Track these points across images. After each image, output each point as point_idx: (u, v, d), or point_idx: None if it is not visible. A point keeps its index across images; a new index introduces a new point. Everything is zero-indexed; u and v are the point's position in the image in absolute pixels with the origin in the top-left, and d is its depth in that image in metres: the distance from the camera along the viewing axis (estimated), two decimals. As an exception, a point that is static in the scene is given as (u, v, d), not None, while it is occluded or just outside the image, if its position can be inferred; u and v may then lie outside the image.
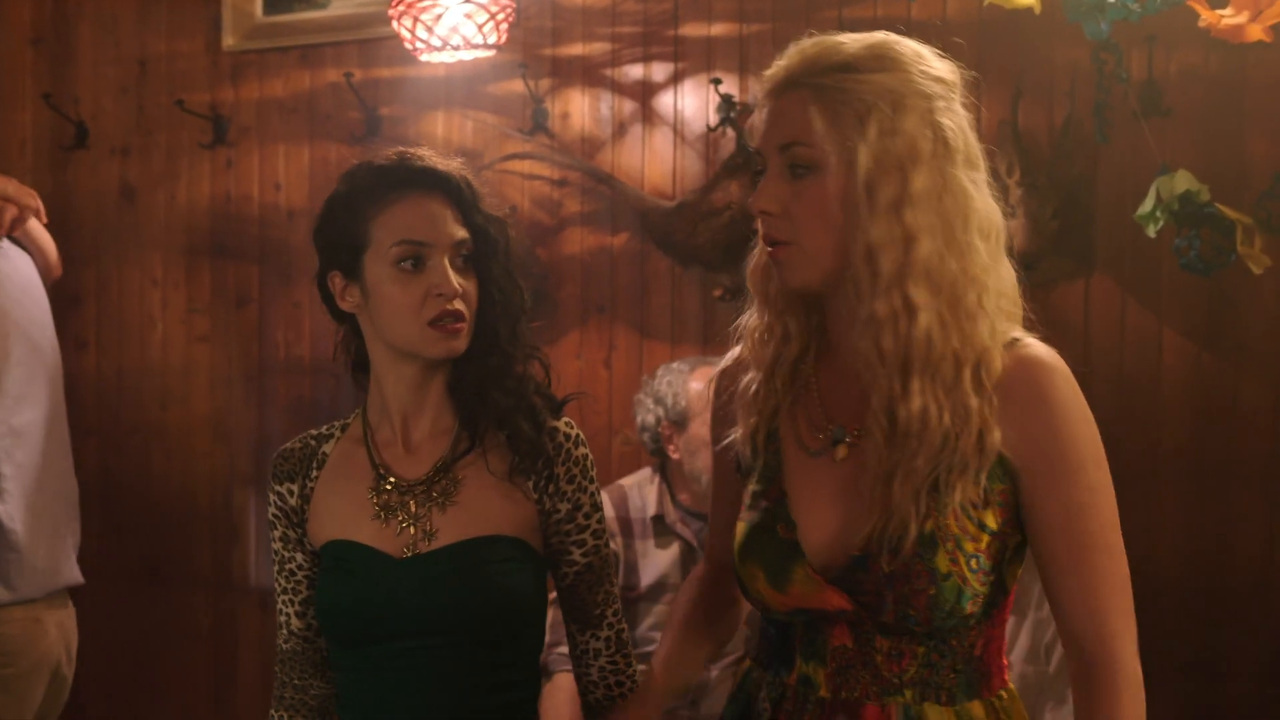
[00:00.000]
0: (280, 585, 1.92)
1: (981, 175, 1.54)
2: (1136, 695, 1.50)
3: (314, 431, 1.94)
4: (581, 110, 3.56)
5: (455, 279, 1.76)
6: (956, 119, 1.53)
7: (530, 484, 1.82)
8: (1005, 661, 1.61)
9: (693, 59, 3.44)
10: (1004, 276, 1.53)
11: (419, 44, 2.99)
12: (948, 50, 3.13)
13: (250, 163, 3.93)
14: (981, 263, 1.49)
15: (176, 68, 4.00)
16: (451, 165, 1.82)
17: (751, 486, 1.64)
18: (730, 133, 3.31)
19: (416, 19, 2.91)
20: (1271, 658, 2.95)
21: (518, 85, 3.57)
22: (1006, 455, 1.49)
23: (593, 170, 3.44)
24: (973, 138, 1.55)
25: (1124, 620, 1.52)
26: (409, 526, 1.81)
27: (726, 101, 3.30)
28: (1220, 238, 2.34)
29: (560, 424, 1.85)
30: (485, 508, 1.81)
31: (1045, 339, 1.55)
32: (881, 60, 1.51)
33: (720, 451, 1.74)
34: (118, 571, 4.09)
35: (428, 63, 3.54)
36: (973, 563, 1.48)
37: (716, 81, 3.31)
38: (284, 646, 1.93)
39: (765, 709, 1.61)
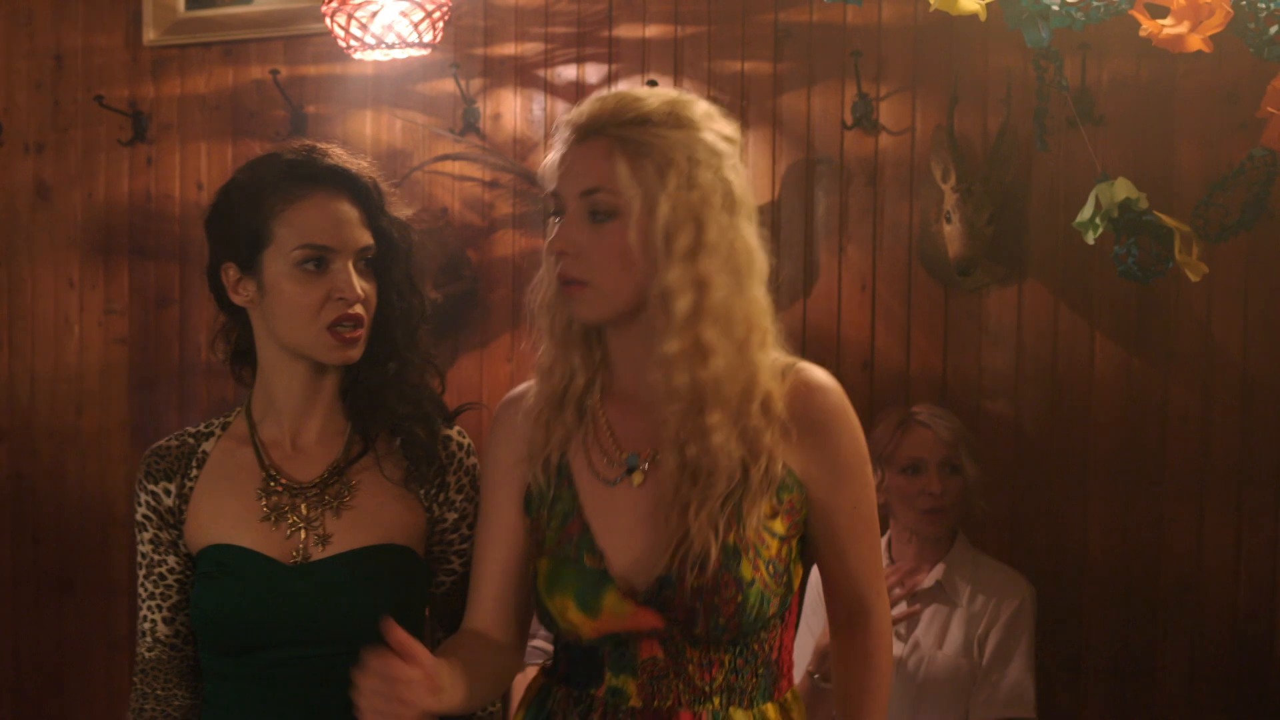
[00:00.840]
0: (147, 590, 1.83)
1: (756, 226, 1.67)
2: (890, 638, 1.75)
3: (191, 429, 1.87)
4: (514, 111, 3.51)
5: (358, 284, 1.73)
6: (740, 175, 1.66)
7: (422, 492, 1.81)
8: (793, 664, 1.76)
9: (627, 60, 3.41)
10: (769, 311, 1.66)
11: (353, 42, 2.92)
12: (882, 57, 3.16)
13: (171, 160, 3.83)
14: (761, 305, 1.62)
15: (94, 63, 3.89)
16: (361, 165, 1.78)
17: (549, 522, 1.68)
18: (665, 135, 3.28)
19: (351, 16, 2.85)
20: (1200, 657, 3.00)
21: (449, 85, 3.52)
22: (793, 468, 1.63)
23: (525, 172, 3.40)
24: (750, 193, 1.67)
25: (881, 579, 1.75)
26: (300, 530, 1.76)
27: (661, 104, 3.27)
28: (1158, 245, 2.36)
29: (453, 433, 1.85)
30: (380, 514, 1.79)
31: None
32: (678, 118, 1.60)
33: (501, 487, 1.75)
34: (30, 580, 3.97)
35: (356, 61, 3.48)
36: (770, 568, 1.61)
37: (653, 83, 3.29)
38: (147, 655, 1.85)
39: None
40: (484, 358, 3.54)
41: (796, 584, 1.68)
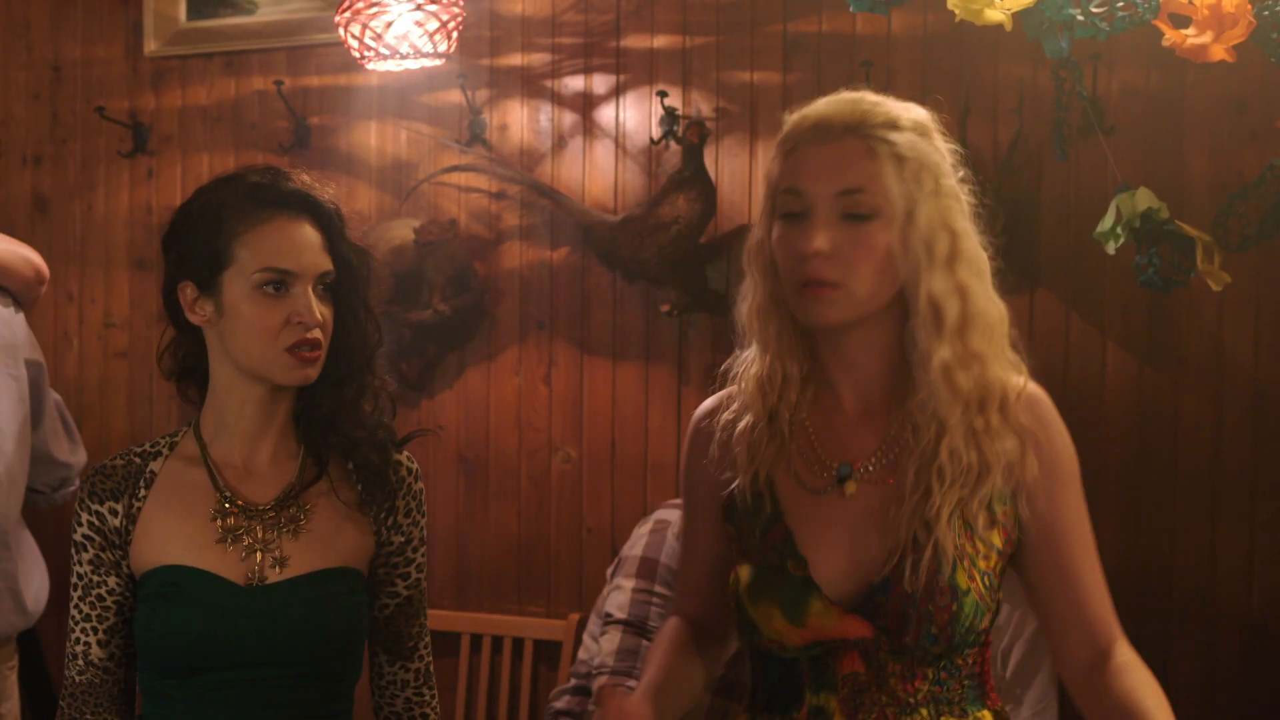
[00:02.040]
0: (81, 612, 1.81)
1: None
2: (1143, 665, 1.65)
3: (137, 448, 1.84)
4: (520, 122, 3.50)
5: (317, 308, 1.74)
6: (965, 187, 1.68)
7: (372, 516, 1.83)
8: (993, 680, 1.71)
9: (635, 71, 3.40)
10: (1006, 317, 1.69)
11: (366, 53, 2.91)
12: (892, 67, 3.16)
13: (173, 172, 3.80)
14: (1002, 310, 1.66)
15: (93, 74, 3.86)
16: (324, 192, 1.80)
17: (751, 530, 1.67)
18: (674, 146, 3.28)
19: (365, 26, 2.84)
20: (1214, 667, 3.00)
21: (455, 95, 3.50)
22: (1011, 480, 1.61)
23: (534, 184, 3.39)
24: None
25: (1113, 610, 1.69)
26: (256, 553, 1.77)
27: (670, 114, 3.27)
28: (1179, 255, 2.37)
29: (402, 458, 1.87)
30: (335, 537, 1.80)
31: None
32: (921, 125, 1.65)
33: (703, 497, 1.76)
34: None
35: (361, 71, 3.46)
36: (985, 580, 1.59)
37: (663, 94, 3.28)
38: (78, 679, 1.81)
39: None
40: (491, 370, 3.52)
41: (998, 604, 1.65)
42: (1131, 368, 3.04)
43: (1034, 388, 1.66)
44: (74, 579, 1.81)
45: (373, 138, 3.62)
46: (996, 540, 1.61)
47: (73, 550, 1.81)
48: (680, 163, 3.21)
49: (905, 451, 1.62)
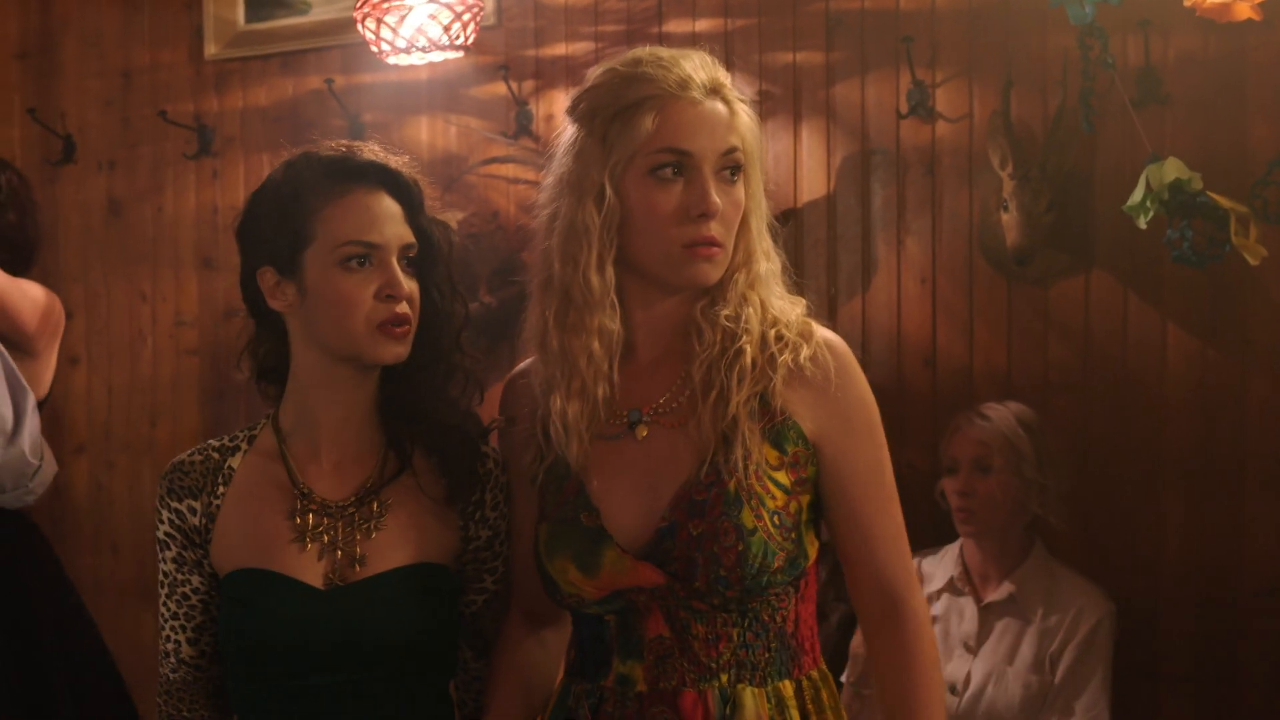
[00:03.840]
0: (169, 610, 1.76)
1: None
2: (928, 623, 1.66)
3: (215, 443, 1.78)
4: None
5: (405, 281, 1.67)
6: None
7: (459, 510, 1.74)
8: (817, 643, 1.68)
9: (678, 56, 3.34)
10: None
11: (384, 45, 2.91)
12: (937, 42, 3.06)
13: (235, 173, 3.87)
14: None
15: (160, 78, 3.94)
16: (401, 162, 1.72)
17: (551, 488, 1.66)
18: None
19: (380, 20, 2.84)
20: (1285, 665, 2.83)
21: (502, 88, 3.49)
22: (800, 421, 1.60)
23: (576, 172, 3.35)
24: None
25: (910, 564, 1.68)
26: (335, 552, 1.69)
27: (712, 99, 3.20)
28: (1213, 228, 2.23)
29: (489, 449, 1.78)
30: (416, 533, 1.71)
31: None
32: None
33: (518, 468, 1.73)
34: (110, 589, 4.03)
35: (410, 67, 3.47)
36: (775, 519, 1.57)
37: (700, 78, 3.22)
38: (171, 676, 1.78)
39: (586, 717, 1.64)
40: (541, 362, 3.50)
41: (812, 552, 1.63)
42: (1194, 350, 2.89)
43: (826, 333, 1.65)
44: (160, 576, 1.77)
45: (423, 132, 3.63)
46: (784, 479, 1.59)
47: (157, 547, 1.77)
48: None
49: (692, 390, 1.61)
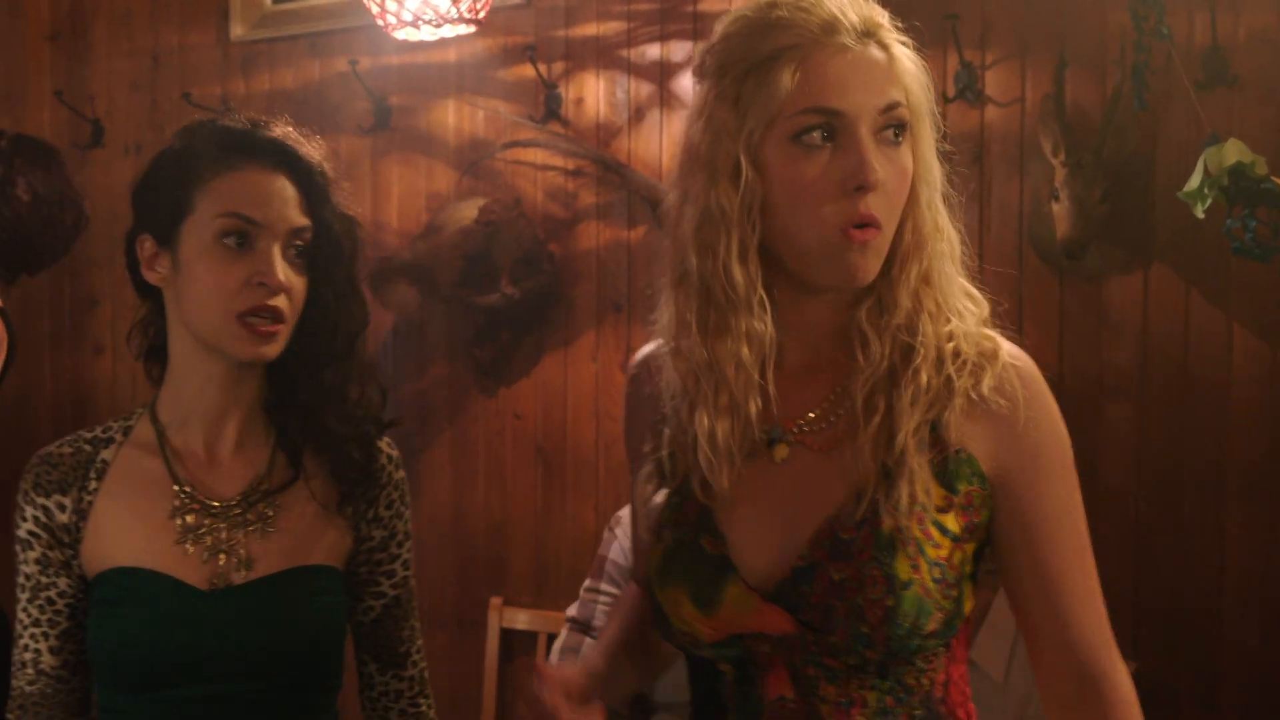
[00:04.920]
0: (30, 616, 1.62)
1: None
2: (1136, 705, 1.36)
3: (86, 434, 1.65)
4: (597, 94, 3.31)
5: (283, 270, 1.53)
6: None
7: (350, 511, 1.65)
8: (971, 706, 1.40)
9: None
10: None
11: (389, 19, 2.77)
12: (987, 20, 2.85)
13: (261, 158, 3.75)
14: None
15: (188, 60, 3.85)
16: (309, 148, 1.60)
17: (671, 499, 1.39)
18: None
19: (384, -9, 2.71)
20: (1358, 699, 2.60)
21: (529, 70, 3.34)
22: (975, 454, 1.33)
23: (600, 158, 3.19)
24: None
25: (1108, 628, 1.37)
26: (220, 554, 1.58)
27: (748, 81, 3.01)
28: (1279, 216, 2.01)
29: (383, 444, 1.69)
30: (308, 535, 1.61)
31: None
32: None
33: (641, 454, 1.48)
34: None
35: (438, 48, 3.35)
36: (935, 572, 1.29)
37: (733, 58, 3.04)
38: (28, 689, 1.62)
39: None
40: (568, 356, 3.34)
41: (968, 609, 1.35)
42: (1262, 352, 2.66)
43: (1018, 352, 1.39)
44: (20, 579, 1.64)
45: (451, 116, 3.48)
46: (953, 525, 1.31)
47: (17, 548, 1.63)
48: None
49: (849, 409, 1.34)
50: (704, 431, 1.34)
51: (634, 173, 3.18)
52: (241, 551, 1.58)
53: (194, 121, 1.64)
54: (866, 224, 1.27)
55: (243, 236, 1.53)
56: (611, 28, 3.28)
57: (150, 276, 1.59)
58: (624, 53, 3.28)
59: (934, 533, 1.30)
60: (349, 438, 1.63)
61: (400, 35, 2.84)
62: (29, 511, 1.61)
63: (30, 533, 1.61)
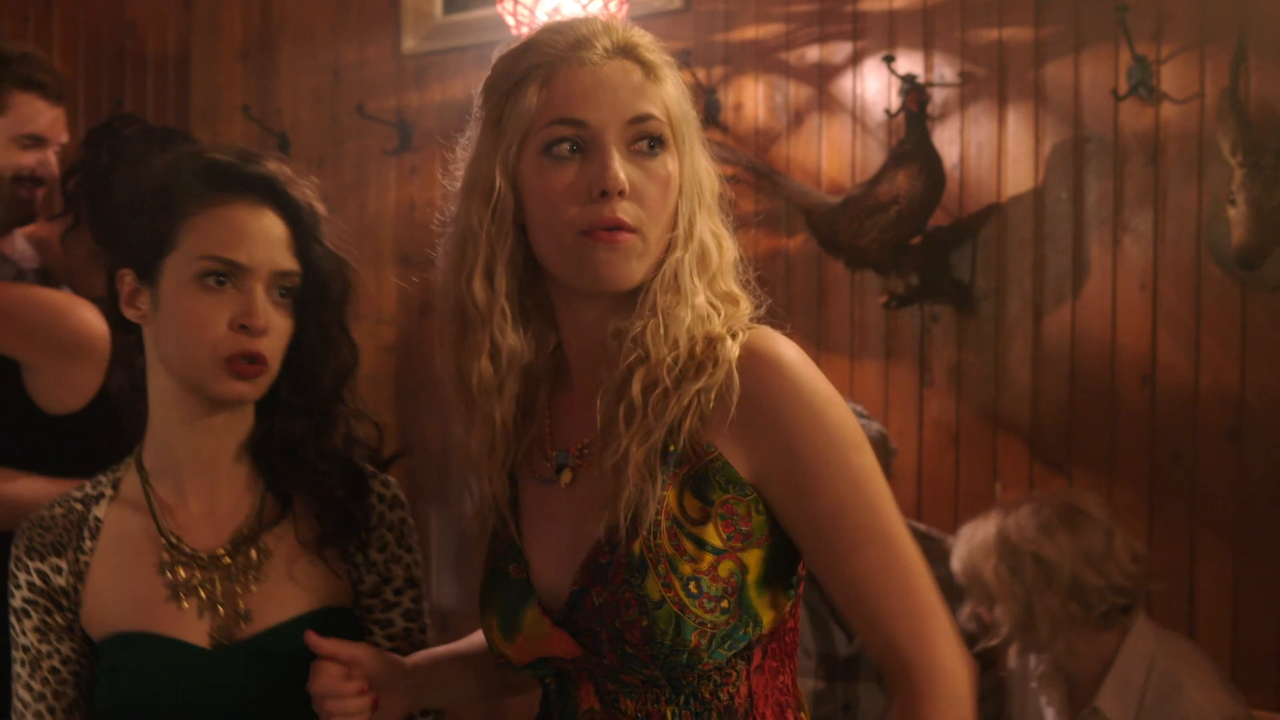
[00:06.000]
0: (33, 692, 1.52)
1: None
2: (956, 702, 1.28)
3: (76, 493, 1.57)
4: (755, 99, 3.23)
5: (267, 313, 1.46)
6: None
7: (337, 554, 1.55)
8: (794, 715, 1.37)
9: (873, 36, 3.05)
10: None
11: (524, 28, 2.76)
12: (1163, 11, 2.66)
13: (432, 169, 3.80)
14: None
15: (365, 74, 3.93)
16: (300, 184, 1.53)
17: (493, 532, 1.45)
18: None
19: (517, 3, 2.69)
20: None
21: (686, 75, 3.27)
22: (731, 461, 1.28)
23: (752, 165, 3.11)
24: None
25: (931, 620, 1.29)
26: (216, 607, 1.50)
27: (909, 82, 2.89)
28: None
29: (376, 484, 1.58)
30: (303, 580, 1.53)
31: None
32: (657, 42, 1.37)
33: None
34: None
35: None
36: (691, 586, 1.26)
37: (889, 59, 2.92)
38: None
39: None
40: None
41: (768, 616, 1.30)
42: None
43: (762, 341, 1.30)
44: (17, 656, 1.53)
45: (611, 124, 3.46)
46: (713, 537, 1.27)
47: (12, 621, 1.53)
48: (904, 134, 2.84)
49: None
50: (463, 445, 1.40)
51: (786, 179, 3.08)
52: (239, 603, 1.51)
53: (179, 151, 1.59)
54: (614, 227, 1.28)
55: (223, 278, 1.46)
56: (770, 30, 3.20)
57: (129, 313, 1.53)
58: (783, 56, 3.19)
59: (689, 547, 1.27)
60: (330, 476, 1.54)
61: (534, 42, 2.83)
62: (23, 578, 1.53)
63: (26, 600, 1.53)
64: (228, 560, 1.52)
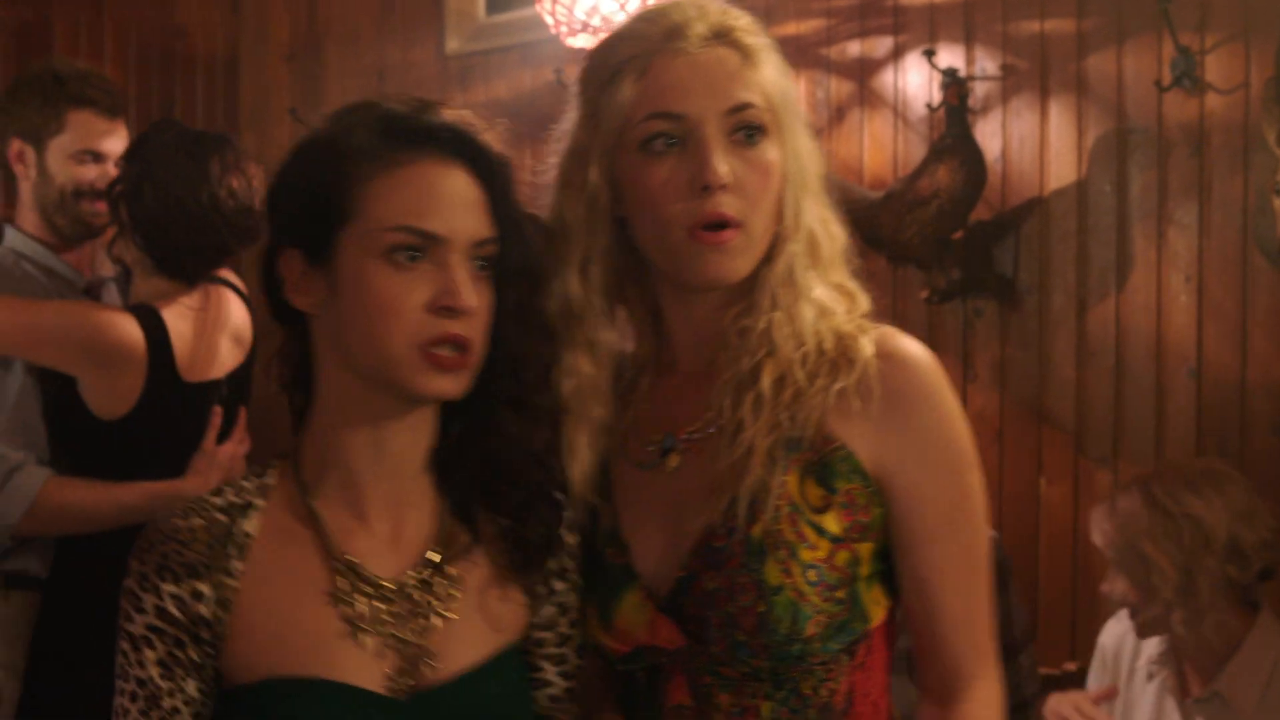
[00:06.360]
0: None
1: None
2: (996, 709, 1.34)
3: (215, 499, 1.28)
4: (797, 95, 3.22)
5: (470, 290, 1.23)
6: None
7: (525, 584, 1.35)
8: (882, 714, 1.36)
9: (914, 30, 3.04)
10: None
11: (563, 27, 2.78)
12: (1207, 4, 2.63)
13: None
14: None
15: (409, 76, 3.97)
16: (488, 132, 1.31)
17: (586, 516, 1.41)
18: (955, 111, 2.89)
19: (556, 2, 2.71)
20: None
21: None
22: (856, 452, 1.30)
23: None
24: None
25: (990, 638, 1.35)
26: (400, 647, 1.26)
27: (950, 76, 2.88)
28: None
29: (564, 500, 1.39)
30: (492, 614, 1.32)
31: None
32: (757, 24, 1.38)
33: None
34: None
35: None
36: (810, 574, 1.26)
37: (930, 53, 2.91)
38: None
39: None
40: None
41: (876, 613, 1.32)
42: None
43: (898, 340, 1.33)
44: (127, 689, 1.26)
45: (653, 122, 3.47)
46: (833, 525, 1.28)
47: (125, 647, 1.27)
48: (944, 128, 2.83)
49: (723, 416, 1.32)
50: (567, 440, 1.36)
51: (828, 175, 3.08)
52: (427, 643, 1.27)
53: (348, 105, 1.33)
54: (720, 224, 1.27)
55: (417, 252, 1.23)
56: (811, 26, 3.20)
57: (298, 301, 1.28)
58: (824, 51, 3.18)
59: (809, 534, 1.27)
60: (536, 491, 1.33)
61: (572, 42, 2.85)
62: (149, 602, 1.25)
63: (152, 628, 1.25)
64: (415, 590, 1.28)
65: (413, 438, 1.30)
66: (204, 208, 2.41)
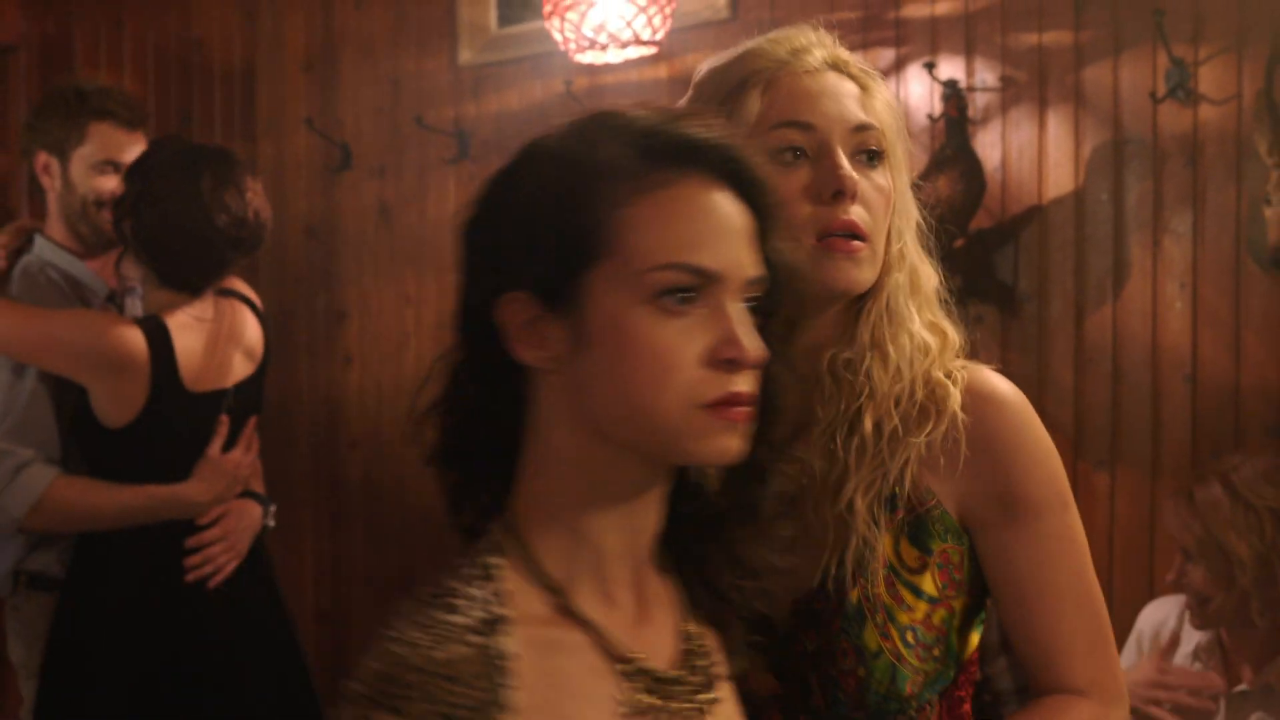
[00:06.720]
0: None
1: None
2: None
3: (458, 619, 1.03)
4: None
5: (751, 337, 1.05)
6: None
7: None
8: None
9: (915, 42, 3.11)
10: None
11: (571, 45, 2.84)
12: (1200, 13, 2.68)
13: (489, 177, 3.90)
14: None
15: (424, 85, 4.04)
16: (751, 148, 1.11)
17: None
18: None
19: (563, 18, 2.77)
20: None
21: (735, 83, 3.35)
22: (949, 510, 1.28)
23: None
24: None
25: (1112, 668, 1.31)
26: None
27: (950, 88, 2.94)
28: None
29: None
30: (738, 697, 1.18)
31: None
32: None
33: None
34: (379, 578, 4.18)
35: (650, 65, 3.40)
36: (908, 636, 1.26)
37: (930, 65, 2.97)
38: None
39: None
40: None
41: (968, 651, 1.32)
42: None
43: (988, 381, 1.31)
44: None
45: (662, 132, 3.53)
46: (930, 586, 1.26)
47: None
48: (944, 139, 2.89)
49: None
50: None
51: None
52: None
53: (587, 116, 1.10)
54: (851, 233, 1.26)
55: (691, 294, 1.03)
56: (815, 38, 3.26)
57: (527, 354, 1.06)
58: (827, 63, 3.24)
59: (906, 596, 1.26)
60: (754, 594, 1.16)
61: (580, 59, 2.91)
62: None
63: None
64: (693, 677, 1.11)
65: (658, 505, 1.11)
66: (198, 223, 2.51)
